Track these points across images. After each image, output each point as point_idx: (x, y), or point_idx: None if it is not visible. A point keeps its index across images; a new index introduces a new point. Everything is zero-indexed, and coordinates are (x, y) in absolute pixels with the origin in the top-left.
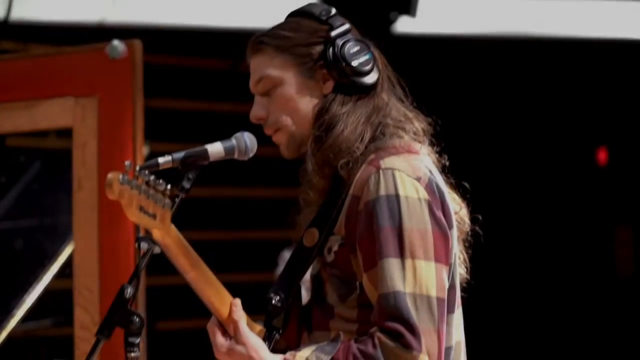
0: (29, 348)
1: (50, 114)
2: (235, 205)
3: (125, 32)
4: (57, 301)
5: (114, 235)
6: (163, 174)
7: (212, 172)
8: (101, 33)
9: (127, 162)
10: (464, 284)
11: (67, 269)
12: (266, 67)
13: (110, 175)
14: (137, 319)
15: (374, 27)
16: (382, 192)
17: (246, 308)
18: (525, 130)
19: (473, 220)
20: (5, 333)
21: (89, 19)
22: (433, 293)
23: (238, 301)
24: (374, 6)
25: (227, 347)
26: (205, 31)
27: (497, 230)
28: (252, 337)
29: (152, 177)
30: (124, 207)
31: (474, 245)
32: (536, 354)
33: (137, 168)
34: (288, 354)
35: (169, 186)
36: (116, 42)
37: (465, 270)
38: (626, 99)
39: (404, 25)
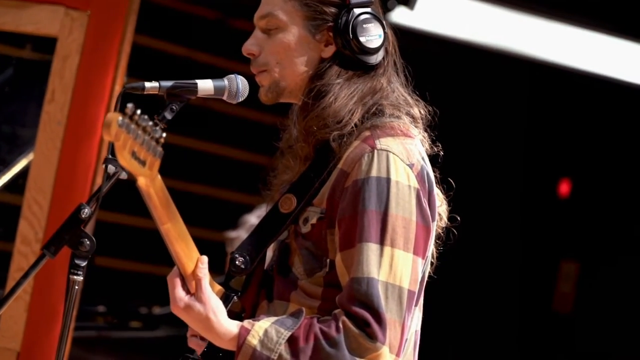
0: None
1: (38, 19)
2: (202, 160)
3: None
4: None
5: (76, 154)
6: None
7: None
8: None
9: (129, 105)
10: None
11: (20, 180)
12: (276, 7)
13: (109, 116)
14: (88, 242)
15: None
16: (374, 173)
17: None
18: (489, 152)
19: (451, 219)
20: None
21: None
22: (405, 285)
23: (205, 259)
24: None
25: (185, 302)
26: None
27: (448, 253)
28: (213, 298)
29: (150, 123)
30: (117, 149)
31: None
32: None
33: (125, 86)
34: (246, 323)
35: (164, 134)
36: None
37: (431, 265)
38: (591, 131)
39: (399, 15)
